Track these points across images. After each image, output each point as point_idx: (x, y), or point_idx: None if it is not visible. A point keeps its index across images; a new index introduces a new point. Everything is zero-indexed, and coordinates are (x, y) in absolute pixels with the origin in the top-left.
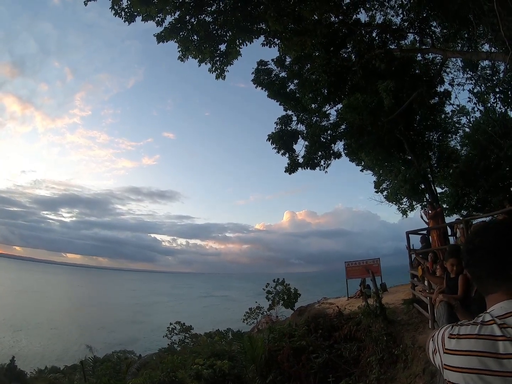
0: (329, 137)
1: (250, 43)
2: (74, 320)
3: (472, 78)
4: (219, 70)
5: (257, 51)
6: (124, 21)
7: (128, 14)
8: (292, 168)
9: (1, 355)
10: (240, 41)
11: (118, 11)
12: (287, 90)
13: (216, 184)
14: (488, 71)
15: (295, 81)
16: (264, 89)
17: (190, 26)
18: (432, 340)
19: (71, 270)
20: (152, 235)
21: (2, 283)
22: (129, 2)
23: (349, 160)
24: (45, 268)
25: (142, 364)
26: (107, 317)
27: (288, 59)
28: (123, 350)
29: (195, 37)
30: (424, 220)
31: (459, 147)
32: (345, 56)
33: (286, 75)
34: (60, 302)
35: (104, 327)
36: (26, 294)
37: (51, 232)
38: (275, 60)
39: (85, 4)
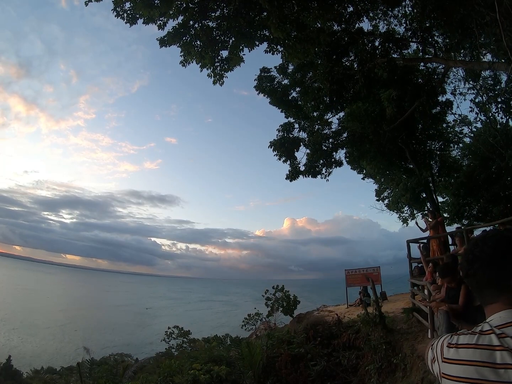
0: (330, 145)
1: (252, 49)
2: (72, 321)
3: (474, 88)
4: (218, 76)
5: (260, 60)
6: (126, 23)
7: (130, 16)
8: (293, 175)
9: None
10: (242, 46)
11: (120, 13)
12: (289, 97)
13: (216, 189)
14: (490, 81)
15: (297, 89)
16: (266, 96)
17: (193, 31)
18: (431, 348)
19: (70, 271)
20: (152, 239)
21: (1, 281)
22: (131, 4)
23: (351, 168)
24: (44, 268)
25: (139, 368)
26: (105, 319)
27: (290, 67)
28: (120, 353)
29: (198, 42)
30: (419, 228)
31: (460, 157)
32: (347, 64)
33: (288, 83)
34: (58, 302)
35: (101, 329)
36: (24, 293)
37: (51, 232)
38: (277, 67)
39: (86, 4)
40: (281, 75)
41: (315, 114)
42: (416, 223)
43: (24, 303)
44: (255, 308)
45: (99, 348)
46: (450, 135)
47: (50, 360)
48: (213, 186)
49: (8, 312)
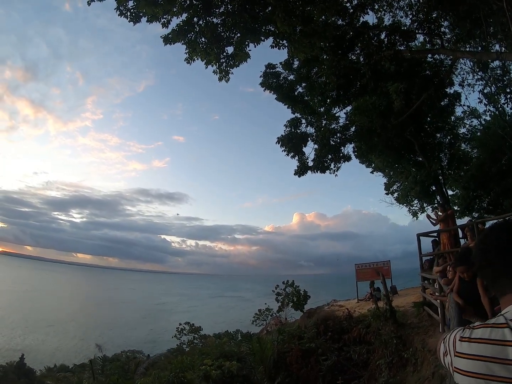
0: (338, 140)
1: (258, 44)
2: (84, 318)
3: (483, 79)
4: (223, 73)
5: (265, 57)
6: (129, 22)
7: (133, 14)
8: (301, 171)
9: (10, 352)
10: (248, 42)
11: (124, 12)
12: (296, 93)
13: (222, 187)
14: (498, 72)
15: (303, 84)
16: (272, 92)
17: (197, 28)
18: (443, 342)
19: (81, 270)
20: (162, 236)
21: (14, 281)
22: (135, 3)
23: (359, 162)
24: (55, 267)
25: (151, 364)
26: (117, 317)
27: (296, 63)
28: (131, 350)
29: (203, 39)
30: (430, 221)
31: (470, 150)
32: (354, 58)
33: (294, 78)
34: (70, 301)
35: (113, 327)
36: (33, 293)
37: (62, 232)
38: (283, 63)
39: (88, 4)
40: (287, 71)
41: (322, 109)
42: (428, 216)
43: (33, 303)
44: (265, 304)
45: (111, 345)
46: (459, 127)
47: (62, 358)
48: (219, 184)
49: (17, 311)
